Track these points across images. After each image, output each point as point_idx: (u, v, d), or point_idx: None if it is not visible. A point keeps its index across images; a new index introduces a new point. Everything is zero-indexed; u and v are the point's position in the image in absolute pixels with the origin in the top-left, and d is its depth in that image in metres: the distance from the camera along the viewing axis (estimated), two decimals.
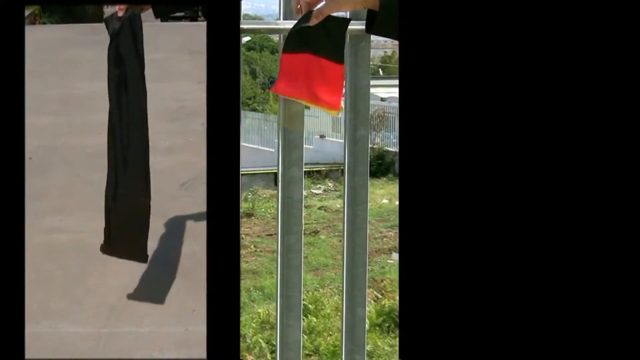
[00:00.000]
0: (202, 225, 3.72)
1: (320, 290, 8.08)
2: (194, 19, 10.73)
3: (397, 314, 5.46)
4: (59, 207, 4.04)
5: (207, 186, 2.16)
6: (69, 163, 4.70)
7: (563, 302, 1.63)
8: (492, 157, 1.64)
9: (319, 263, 9.81)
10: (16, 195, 1.94)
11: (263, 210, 13.88)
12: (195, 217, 3.78)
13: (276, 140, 2.39)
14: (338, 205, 13.33)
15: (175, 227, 3.62)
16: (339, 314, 2.58)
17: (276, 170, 2.39)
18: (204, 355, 2.74)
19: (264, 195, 15.18)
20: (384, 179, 15.68)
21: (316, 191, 16.23)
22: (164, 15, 10.23)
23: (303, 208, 2.44)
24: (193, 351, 2.77)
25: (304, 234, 2.48)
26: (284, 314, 2.48)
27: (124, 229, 2.60)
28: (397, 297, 5.62)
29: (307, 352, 4.63)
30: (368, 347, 3.01)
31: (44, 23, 11.43)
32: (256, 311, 7.78)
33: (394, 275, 7.29)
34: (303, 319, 2.51)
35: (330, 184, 16.83)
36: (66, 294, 3.14)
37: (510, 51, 1.64)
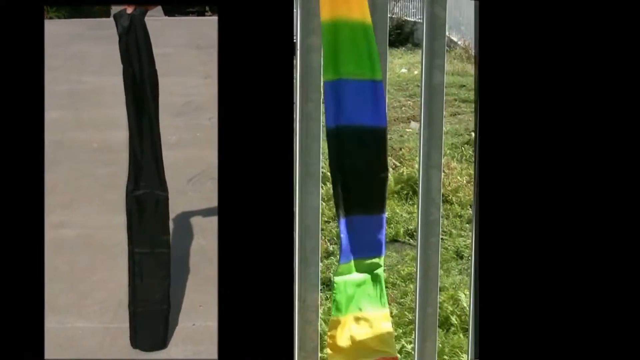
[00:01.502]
0: (210, 221, 3.71)
1: None
2: (201, 13, 10.72)
3: (415, 182, 5.40)
4: (65, 202, 4.04)
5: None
6: (76, 158, 4.69)
7: None
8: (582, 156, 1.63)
9: None
10: (35, 188, 1.94)
11: None
12: (204, 212, 3.77)
13: (295, 10, 2.32)
14: None
15: (184, 223, 3.61)
16: None
17: (294, 40, 2.31)
18: (211, 349, 2.74)
19: None
20: (403, 48, 15.45)
21: None
22: (174, 13, 10.12)
23: (322, 76, 2.34)
24: (200, 346, 2.77)
25: (322, 102, 2.42)
26: (303, 180, 2.44)
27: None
28: (416, 165, 5.60)
29: (325, 218, 4.63)
30: (387, 214, 2.96)
31: (52, 18, 11.43)
32: None
33: (413, 143, 7.25)
34: (322, 187, 2.47)
35: None
36: (73, 289, 3.13)
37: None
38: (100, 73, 6.40)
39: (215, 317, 2.87)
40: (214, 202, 3.91)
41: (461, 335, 3.76)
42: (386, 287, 2.24)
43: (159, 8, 9.02)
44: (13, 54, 1.91)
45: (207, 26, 9.15)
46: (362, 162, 2.25)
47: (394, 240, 5.38)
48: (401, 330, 3.88)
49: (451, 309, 3.95)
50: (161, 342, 2.70)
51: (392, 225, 5.46)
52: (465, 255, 4.32)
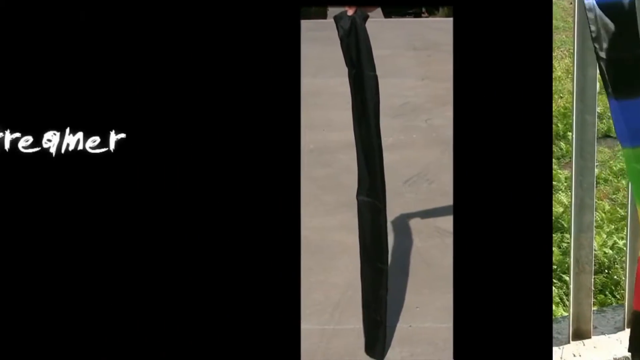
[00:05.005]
0: (427, 223, 3.68)
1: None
2: (418, 15, 10.69)
3: None
4: None
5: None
6: None
7: None
8: None
9: None
10: (292, 190, 2.00)
11: None
12: (421, 214, 3.74)
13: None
14: None
15: (401, 225, 3.60)
16: (570, 76, 2.46)
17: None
18: (428, 351, 2.71)
19: None
20: None
21: None
22: (391, 14, 10.11)
23: None
24: (417, 348, 2.74)
25: None
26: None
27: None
28: None
29: None
30: (598, 109, 2.89)
31: None
32: None
33: None
34: None
35: None
36: None
37: None
38: (317, 75, 6.49)
39: (431, 318, 2.85)
40: (430, 203, 3.90)
41: None
42: (598, 182, 2.19)
43: (379, 10, 9.06)
44: (269, 56, 1.96)
45: (423, 27, 9.13)
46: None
47: (606, 135, 5.30)
48: (613, 227, 3.89)
49: None
50: (379, 354, 2.66)
51: (604, 120, 5.35)
52: None
